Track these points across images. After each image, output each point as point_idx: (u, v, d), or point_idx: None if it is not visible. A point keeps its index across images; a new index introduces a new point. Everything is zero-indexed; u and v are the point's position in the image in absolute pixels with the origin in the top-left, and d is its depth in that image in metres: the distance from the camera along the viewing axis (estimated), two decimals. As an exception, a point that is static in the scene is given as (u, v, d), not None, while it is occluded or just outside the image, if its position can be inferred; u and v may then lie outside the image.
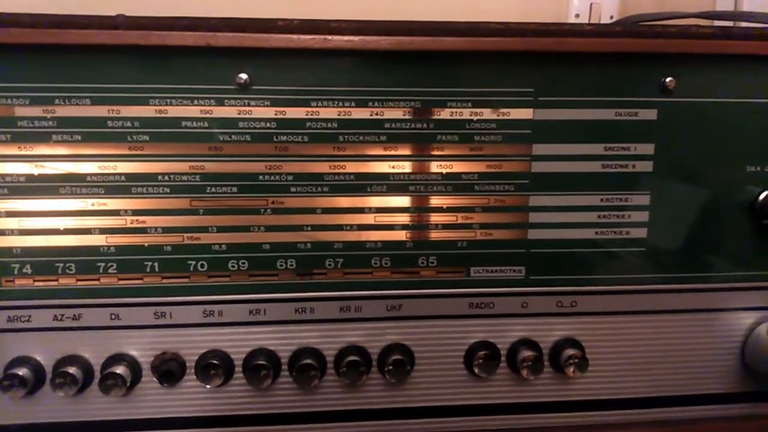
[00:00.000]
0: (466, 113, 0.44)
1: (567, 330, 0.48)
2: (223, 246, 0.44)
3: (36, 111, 0.42)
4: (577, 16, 0.70)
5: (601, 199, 0.46)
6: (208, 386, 0.44)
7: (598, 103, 0.45)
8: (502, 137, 0.45)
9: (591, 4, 0.68)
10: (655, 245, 0.47)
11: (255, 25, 0.42)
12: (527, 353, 0.47)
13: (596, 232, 0.47)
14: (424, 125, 0.44)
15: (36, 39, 0.40)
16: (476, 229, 0.46)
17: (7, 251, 0.43)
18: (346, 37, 0.42)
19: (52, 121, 0.42)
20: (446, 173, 0.45)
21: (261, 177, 0.44)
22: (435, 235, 0.46)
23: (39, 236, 0.43)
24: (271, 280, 0.45)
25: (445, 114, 0.44)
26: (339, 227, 0.45)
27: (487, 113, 0.45)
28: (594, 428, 0.49)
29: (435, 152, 0.45)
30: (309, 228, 0.45)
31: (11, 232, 0.43)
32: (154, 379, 0.45)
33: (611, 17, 0.70)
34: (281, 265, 0.45)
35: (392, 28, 0.42)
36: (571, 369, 0.46)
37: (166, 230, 0.44)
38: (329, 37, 0.42)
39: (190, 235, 0.44)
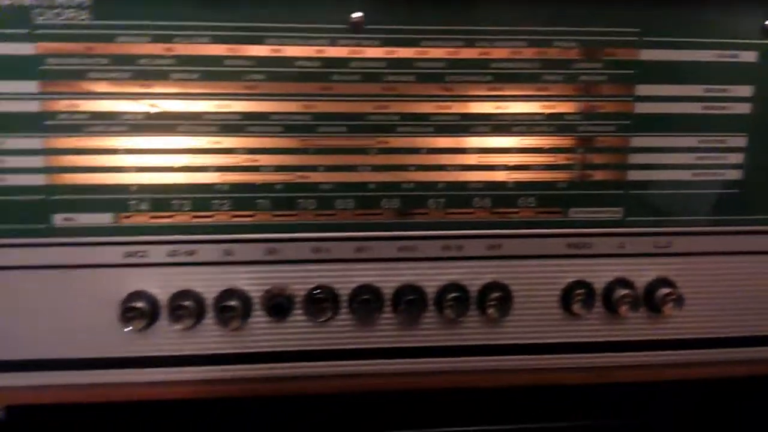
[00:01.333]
0: (572, 53, 0.45)
1: (662, 270, 0.49)
2: (331, 185, 0.45)
3: (156, 49, 0.42)
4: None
5: (699, 141, 0.47)
6: (317, 320, 0.46)
7: (700, 44, 0.45)
8: (606, 77, 0.45)
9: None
10: (750, 187, 0.47)
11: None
12: (623, 291, 0.47)
13: (693, 174, 0.47)
14: (530, 65, 0.45)
15: None
16: (577, 170, 0.47)
17: (124, 188, 0.44)
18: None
19: (172, 59, 0.43)
20: (549, 113, 0.46)
21: (369, 117, 0.45)
22: (535, 175, 0.46)
23: (155, 173, 0.45)
24: (376, 219, 0.46)
25: (551, 54, 0.45)
26: (442, 167, 0.46)
27: (593, 53, 0.45)
28: (685, 366, 0.50)
29: (539, 92, 0.45)
30: (413, 168, 0.46)
31: (129, 169, 0.44)
32: (264, 313, 0.46)
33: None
34: (385, 204, 0.46)
35: None
36: (669, 306, 0.47)
37: (278, 168, 0.45)
38: None
39: (300, 173, 0.45)
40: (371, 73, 0.44)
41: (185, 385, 0.48)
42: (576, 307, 0.47)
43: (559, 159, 0.47)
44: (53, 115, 0.43)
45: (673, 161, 0.47)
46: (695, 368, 0.51)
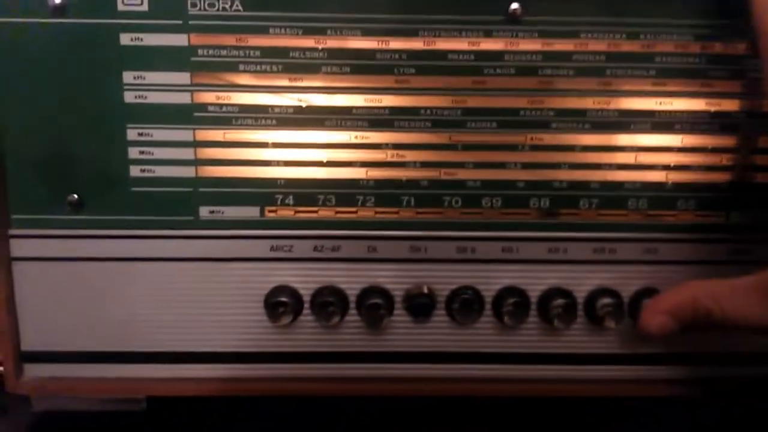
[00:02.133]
0: (740, 48, 0.42)
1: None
2: (478, 182, 0.44)
3: (308, 42, 0.41)
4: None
5: None
6: (461, 323, 0.46)
7: None
8: (776, 74, 0.42)
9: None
10: None
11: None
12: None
13: None
14: (696, 60, 0.42)
15: None
16: (740, 172, 0.43)
17: (271, 182, 0.43)
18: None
19: (323, 52, 0.41)
20: (714, 111, 0.43)
21: (522, 112, 0.43)
22: (697, 176, 0.44)
23: (302, 168, 0.44)
24: (523, 218, 0.44)
25: (717, 48, 0.42)
26: (597, 166, 0.44)
27: (763, 48, 0.41)
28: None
29: (704, 89, 0.42)
30: (566, 166, 0.44)
31: (276, 163, 0.43)
32: (405, 312, 0.44)
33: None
34: (534, 204, 0.44)
35: None
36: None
37: (425, 165, 0.44)
38: None
39: (446, 170, 0.44)
40: (527, 66, 0.42)
41: (323, 382, 0.47)
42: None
43: (723, 159, 0.44)
44: (203, 107, 0.42)
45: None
46: None
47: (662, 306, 0.40)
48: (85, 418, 0.47)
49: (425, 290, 0.45)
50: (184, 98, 0.43)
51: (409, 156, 0.44)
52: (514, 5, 0.41)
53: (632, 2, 0.42)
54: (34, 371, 0.47)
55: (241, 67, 0.42)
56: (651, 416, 0.50)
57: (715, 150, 0.44)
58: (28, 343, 0.47)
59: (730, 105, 0.43)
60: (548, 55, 0.42)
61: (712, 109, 0.43)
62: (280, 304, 0.43)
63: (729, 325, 0.38)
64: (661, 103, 0.43)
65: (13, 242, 0.45)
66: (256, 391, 0.46)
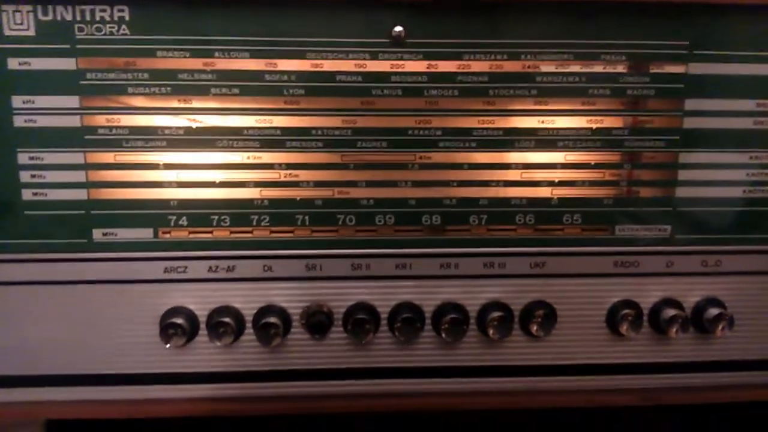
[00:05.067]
0: (619, 67, 0.44)
1: (710, 290, 0.47)
2: (371, 201, 0.45)
3: (196, 64, 0.42)
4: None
5: (750, 157, 0.45)
6: (357, 340, 0.46)
7: (752, 58, 0.44)
8: (654, 91, 0.44)
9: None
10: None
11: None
12: (671, 312, 0.46)
13: (744, 191, 0.46)
14: (576, 78, 0.43)
15: None
16: (623, 186, 0.45)
17: (164, 203, 0.44)
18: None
19: (212, 74, 0.42)
20: (596, 128, 0.45)
21: (410, 131, 0.44)
22: (581, 192, 0.45)
23: (195, 189, 0.44)
24: (416, 235, 0.46)
25: (597, 67, 0.43)
26: (485, 183, 0.45)
27: (640, 67, 0.43)
28: (735, 388, 0.48)
29: (586, 107, 0.44)
30: (455, 183, 0.45)
31: (169, 185, 0.44)
32: (303, 330, 0.45)
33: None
34: (426, 221, 0.45)
35: None
36: (720, 327, 0.45)
37: (318, 184, 0.44)
38: None
39: (340, 189, 0.45)
40: (413, 87, 0.43)
41: (224, 402, 0.47)
42: (623, 328, 0.45)
43: (606, 175, 0.45)
44: (93, 129, 0.43)
45: (722, 178, 0.46)
46: (749, 390, 0.48)
47: None
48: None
49: (323, 308, 0.46)
50: (74, 121, 0.43)
51: (303, 176, 0.44)
52: (398, 28, 0.42)
53: (512, 24, 0.42)
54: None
55: (130, 89, 0.43)
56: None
57: (598, 166, 0.45)
58: None
59: (611, 122, 0.45)
60: (433, 76, 0.43)
61: (594, 126, 0.45)
62: (172, 326, 0.43)
63: None
64: (543, 122, 0.44)
65: None
66: (154, 412, 0.47)
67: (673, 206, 0.46)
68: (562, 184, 0.45)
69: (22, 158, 0.43)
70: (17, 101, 0.42)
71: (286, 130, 0.43)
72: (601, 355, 0.47)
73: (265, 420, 0.47)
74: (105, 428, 0.47)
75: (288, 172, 0.44)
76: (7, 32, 0.41)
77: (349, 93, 0.43)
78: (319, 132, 0.44)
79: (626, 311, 0.46)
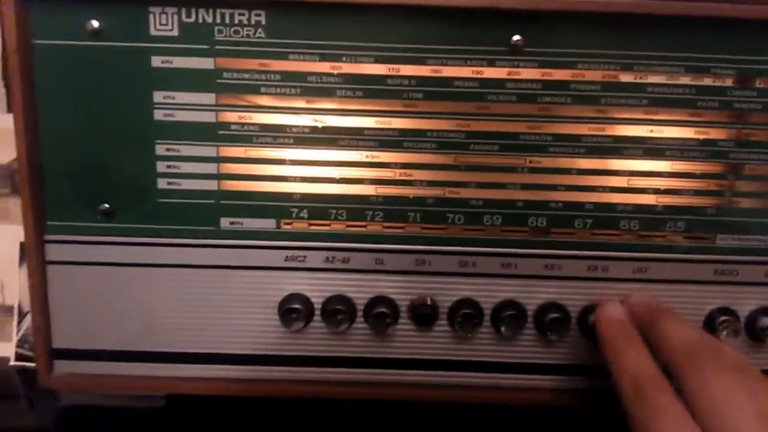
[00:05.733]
0: (728, 80, 0.45)
1: (809, 301, 0.48)
2: (480, 201, 0.47)
3: (324, 67, 0.45)
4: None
5: None
6: (462, 334, 0.49)
7: None
8: (761, 106, 0.45)
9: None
10: None
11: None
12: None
13: None
14: (685, 90, 0.45)
15: None
16: (726, 197, 0.47)
17: (287, 196, 0.47)
18: (620, 0, 0.44)
19: (338, 77, 0.45)
20: (702, 139, 0.46)
21: (522, 136, 0.46)
22: (685, 200, 0.47)
23: (316, 184, 0.47)
24: (522, 236, 0.48)
25: (707, 80, 0.45)
26: (592, 188, 0.47)
27: (748, 81, 0.45)
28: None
29: (693, 118, 0.46)
30: (563, 188, 0.47)
31: (293, 179, 0.47)
32: (410, 321, 0.48)
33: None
34: (532, 223, 0.48)
35: None
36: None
37: (430, 183, 0.47)
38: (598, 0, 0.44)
39: (451, 189, 0.47)
40: (527, 94, 0.46)
41: (332, 385, 0.50)
42: (722, 335, 0.47)
43: (710, 185, 0.47)
44: (227, 125, 0.46)
45: (827, 190, 0.46)
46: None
47: None
48: (107, 412, 0.50)
49: (428, 301, 0.48)
50: (209, 117, 0.46)
51: (416, 175, 0.47)
52: (516, 37, 0.45)
53: (625, 36, 0.45)
54: (63, 368, 0.51)
55: (263, 89, 0.46)
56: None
57: (703, 176, 0.47)
58: (59, 341, 0.50)
59: (717, 134, 0.46)
60: (547, 84, 0.46)
61: (701, 137, 0.46)
62: (293, 310, 0.47)
63: None
64: (652, 131, 0.46)
65: (48, 247, 0.49)
66: (268, 391, 0.50)
67: (774, 218, 0.47)
68: (667, 192, 0.47)
69: (160, 149, 0.47)
70: (158, 96, 0.46)
71: (403, 132, 0.46)
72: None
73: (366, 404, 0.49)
74: (222, 404, 0.50)
75: (403, 171, 0.47)
76: (153, 32, 0.45)
77: (465, 98, 0.46)
78: (434, 134, 0.46)
79: (724, 318, 0.47)
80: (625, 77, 0.45)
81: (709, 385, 0.38)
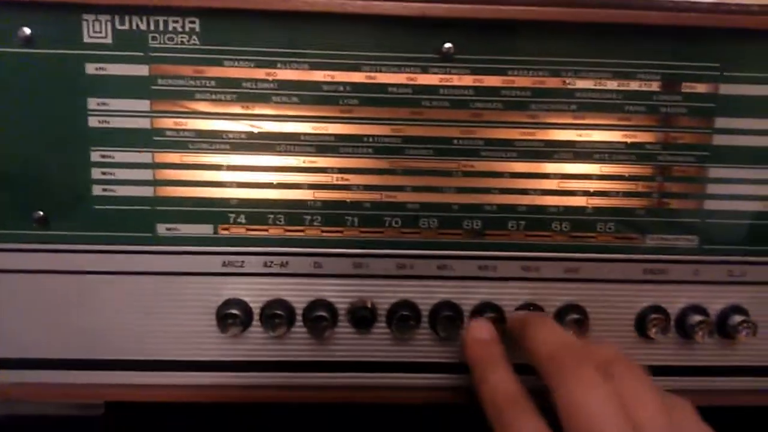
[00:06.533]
0: (653, 85, 0.47)
1: (736, 298, 0.50)
2: (416, 204, 0.48)
3: (259, 74, 0.46)
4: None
5: (777, 174, 0.48)
6: (400, 335, 0.50)
7: (782, 79, 0.47)
8: (686, 110, 0.47)
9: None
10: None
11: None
12: (698, 318, 0.49)
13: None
14: (613, 96, 0.47)
15: (259, 5, 0.45)
16: (655, 198, 0.48)
17: (225, 202, 0.47)
18: (549, 8, 0.46)
19: (273, 83, 0.46)
20: (630, 143, 0.48)
21: (455, 141, 0.48)
22: (615, 202, 0.48)
23: (254, 189, 0.48)
24: (457, 238, 0.49)
25: (633, 86, 0.47)
26: (524, 191, 0.48)
27: (673, 86, 0.47)
28: (757, 393, 0.51)
29: (621, 122, 0.47)
30: (496, 191, 0.48)
31: (230, 185, 0.47)
32: (349, 323, 0.48)
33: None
34: (467, 225, 0.49)
35: (582, 1, 0.46)
36: (743, 334, 0.48)
37: (367, 188, 0.48)
38: (530, 8, 0.46)
39: (387, 193, 0.48)
40: (459, 100, 0.47)
41: (272, 390, 0.51)
42: (651, 332, 0.48)
43: (638, 187, 0.48)
44: (162, 131, 0.46)
45: (749, 192, 0.49)
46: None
47: None
48: (45, 421, 0.50)
49: (368, 304, 0.49)
50: (144, 123, 0.47)
51: (353, 179, 0.48)
52: (447, 45, 0.46)
53: (554, 43, 0.46)
54: (0, 377, 0.49)
55: (198, 95, 0.46)
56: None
57: (631, 178, 0.49)
58: (-5, 351, 0.49)
59: (644, 137, 0.48)
60: (479, 90, 0.47)
61: (628, 140, 0.48)
62: (230, 316, 0.47)
63: None
64: (581, 135, 0.48)
65: (-20, 255, 0.47)
66: (207, 397, 0.50)
67: (701, 218, 0.49)
68: (597, 194, 0.48)
69: (95, 156, 0.47)
70: (92, 103, 0.46)
71: (339, 137, 0.47)
72: (631, 356, 0.50)
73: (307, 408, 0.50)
74: (161, 411, 0.50)
75: (340, 176, 0.47)
76: (86, 39, 0.45)
77: (399, 104, 0.47)
78: (371, 139, 0.47)
79: (654, 316, 0.49)
80: (554, 83, 0.46)
81: (572, 394, 0.37)
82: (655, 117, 0.47)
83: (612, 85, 0.47)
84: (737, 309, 0.50)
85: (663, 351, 0.51)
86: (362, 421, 0.53)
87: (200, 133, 0.47)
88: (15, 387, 0.50)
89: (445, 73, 0.46)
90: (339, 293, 0.50)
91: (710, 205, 0.49)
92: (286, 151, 0.47)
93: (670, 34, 0.46)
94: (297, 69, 0.46)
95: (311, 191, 0.47)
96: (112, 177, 0.47)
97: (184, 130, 0.46)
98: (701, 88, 0.47)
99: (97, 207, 0.48)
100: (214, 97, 0.46)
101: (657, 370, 0.50)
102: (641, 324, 0.50)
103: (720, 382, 0.52)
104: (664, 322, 0.49)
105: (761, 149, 0.48)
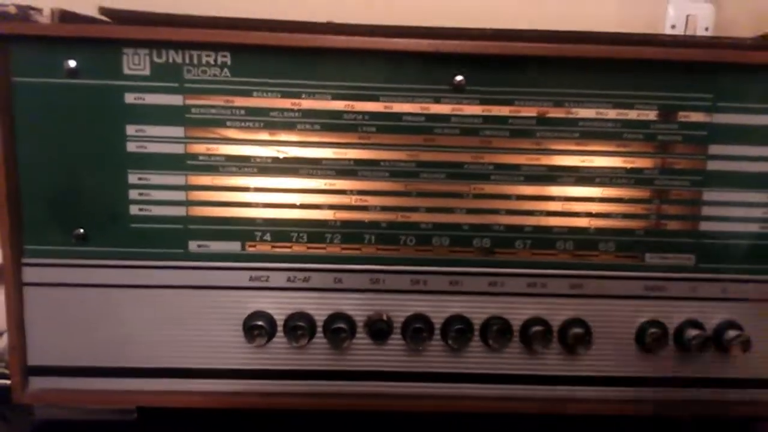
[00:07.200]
0: (650, 115, 0.51)
1: (731, 314, 0.53)
2: (430, 224, 0.52)
3: (286, 103, 0.50)
4: (674, 27, 0.74)
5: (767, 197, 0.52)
6: (414, 347, 0.53)
7: (769, 110, 0.50)
8: (681, 137, 0.51)
9: (687, 16, 0.73)
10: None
11: (468, 33, 0.50)
12: (695, 332, 0.52)
13: (760, 227, 0.52)
14: (613, 124, 0.51)
15: (285, 42, 0.49)
16: (653, 219, 0.52)
17: (252, 221, 0.51)
18: (552, 45, 0.49)
19: (298, 112, 0.50)
20: (630, 168, 0.51)
21: (466, 166, 0.51)
22: (615, 223, 0.52)
23: (278, 209, 0.51)
24: (468, 256, 0.52)
25: (632, 115, 0.51)
26: (530, 212, 0.52)
27: (669, 115, 0.50)
28: (750, 404, 0.54)
29: (620, 149, 0.51)
30: (504, 212, 0.52)
31: (256, 205, 0.51)
32: (366, 335, 0.52)
33: (706, 29, 0.75)
34: (477, 244, 0.52)
35: (583, 38, 0.51)
36: (737, 348, 0.51)
37: (384, 208, 0.52)
38: (535, 45, 0.50)
39: (402, 213, 0.52)
40: (469, 128, 0.51)
41: (294, 397, 0.54)
42: (650, 345, 0.52)
43: (637, 209, 0.52)
44: (195, 156, 0.50)
45: (742, 215, 0.52)
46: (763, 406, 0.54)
47: None
48: (80, 426, 0.54)
49: (384, 317, 0.53)
50: (178, 149, 0.51)
51: (371, 201, 0.52)
52: (459, 77, 0.50)
53: (558, 75, 0.50)
54: (38, 384, 0.54)
55: (228, 123, 0.50)
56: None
57: (631, 200, 0.52)
58: (34, 359, 0.54)
59: (643, 162, 0.52)
60: (487, 119, 0.51)
61: (628, 165, 0.52)
62: (257, 327, 0.51)
63: None
64: (583, 161, 0.51)
65: (25, 269, 0.52)
66: (234, 403, 0.54)
67: (697, 238, 0.52)
68: (598, 215, 0.52)
69: (132, 178, 0.51)
70: (131, 129, 0.50)
71: (358, 162, 0.51)
72: (630, 369, 0.54)
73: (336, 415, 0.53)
74: (190, 416, 0.54)
75: (358, 197, 0.51)
76: (126, 71, 0.49)
77: (414, 131, 0.51)
78: (387, 164, 0.51)
79: (653, 330, 0.52)
80: (558, 112, 0.50)
81: None
82: (653, 144, 0.51)
83: (612, 114, 0.51)
84: (732, 324, 0.53)
85: (661, 363, 0.54)
86: (377, 428, 0.56)
87: (230, 157, 0.51)
88: (53, 393, 0.54)
89: (457, 103, 0.50)
90: (357, 307, 0.53)
91: (705, 226, 0.52)
92: (309, 175, 0.51)
93: (665, 68, 0.50)
94: (320, 99, 0.50)
95: (332, 211, 0.51)
96: (148, 198, 0.51)
97: (215, 154, 0.50)
98: (695, 117, 0.51)
99: (133, 225, 0.51)
100: (243, 124, 0.50)
101: (654, 381, 0.53)
102: (641, 338, 0.53)
103: (714, 393, 0.54)
104: (663, 336, 0.52)
105: (752, 174, 0.51)
